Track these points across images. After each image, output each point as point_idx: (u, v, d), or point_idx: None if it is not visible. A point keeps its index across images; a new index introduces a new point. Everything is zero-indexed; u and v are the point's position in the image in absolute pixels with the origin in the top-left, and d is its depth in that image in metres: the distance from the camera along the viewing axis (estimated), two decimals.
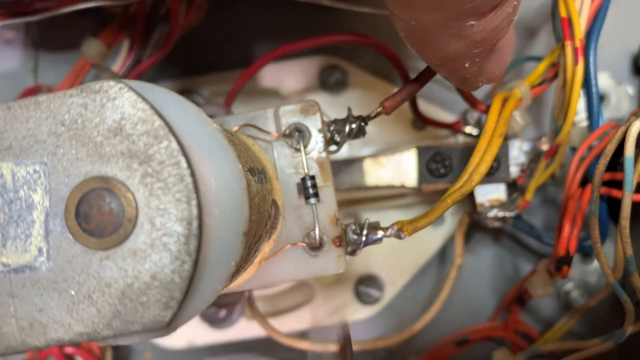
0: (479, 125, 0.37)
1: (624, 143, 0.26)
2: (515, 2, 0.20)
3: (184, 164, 0.17)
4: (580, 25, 0.30)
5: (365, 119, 0.28)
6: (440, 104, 0.40)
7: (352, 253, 0.27)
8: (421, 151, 0.35)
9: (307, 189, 0.26)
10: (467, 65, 0.22)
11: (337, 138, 0.27)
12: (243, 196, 0.18)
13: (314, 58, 0.40)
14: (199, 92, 0.41)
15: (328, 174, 0.27)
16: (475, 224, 0.40)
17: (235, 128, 0.27)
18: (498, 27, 0.20)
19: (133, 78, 0.35)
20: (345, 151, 0.40)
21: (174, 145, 0.17)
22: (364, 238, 0.26)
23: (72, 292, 0.17)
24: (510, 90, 0.31)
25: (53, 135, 0.17)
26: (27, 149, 0.18)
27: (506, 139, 0.34)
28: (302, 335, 0.41)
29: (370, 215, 0.33)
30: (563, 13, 0.30)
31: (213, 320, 0.40)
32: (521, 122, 0.32)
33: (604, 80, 0.38)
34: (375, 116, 0.27)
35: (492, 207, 0.35)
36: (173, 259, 0.16)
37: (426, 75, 0.27)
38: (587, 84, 0.31)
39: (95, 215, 0.17)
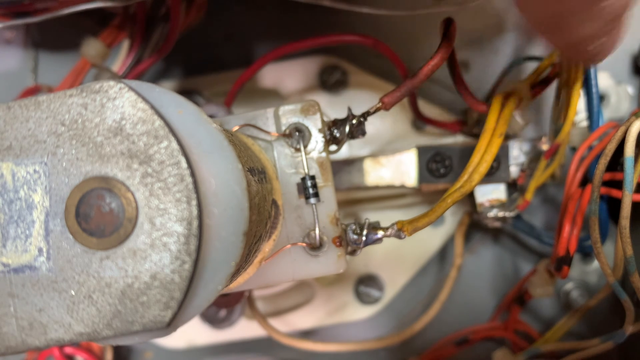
0: (479, 125, 0.37)
1: (624, 143, 0.26)
2: None
3: (184, 164, 0.17)
4: None
5: (365, 115, 0.28)
6: (440, 104, 0.40)
7: (352, 253, 0.27)
8: (421, 151, 0.35)
9: (307, 188, 0.26)
10: (591, 47, 0.22)
11: (337, 134, 0.27)
12: (243, 196, 0.18)
13: (314, 58, 0.40)
14: (199, 92, 0.41)
15: (328, 174, 0.27)
16: (475, 224, 0.40)
17: (235, 128, 0.27)
18: (627, 5, 0.20)
19: (133, 78, 0.35)
20: (345, 151, 0.40)
21: (174, 145, 0.17)
22: (364, 238, 0.26)
23: (72, 292, 0.17)
24: (510, 90, 0.31)
25: (53, 135, 0.17)
26: (27, 149, 0.18)
27: (506, 139, 0.34)
28: (302, 335, 0.41)
29: (370, 215, 0.33)
30: None
31: (213, 320, 0.40)
32: (521, 122, 0.32)
33: (604, 80, 0.38)
34: (374, 112, 0.27)
35: (492, 207, 0.35)
36: (173, 259, 0.16)
37: (425, 72, 0.27)
38: (587, 84, 0.31)
39: (95, 215, 0.17)
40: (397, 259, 0.41)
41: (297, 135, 0.27)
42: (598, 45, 0.22)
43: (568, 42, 0.22)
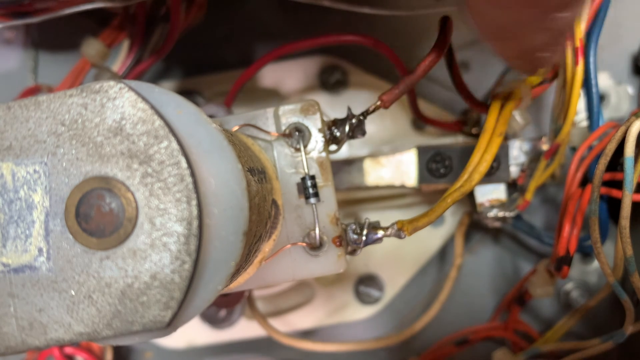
0: (479, 125, 0.37)
1: (624, 143, 0.26)
2: None
3: (184, 164, 0.17)
4: (580, 25, 0.30)
5: (364, 114, 0.28)
6: (440, 104, 0.40)
7: (352, 253, 0.27)
8: (421, 151, 0.35)
9: (307, 188, 0.26)
10: (545, 55, 0.22)
11: (337, 134, 0.27)
12: (243, 196, 0.18)
13: (314, 58, 0.40)
14: (199, 92, 0.41)
15: (328, 173, 0.27)
16: (475, 224, 0.40)
17: (235, 128, 0.27)
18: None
19: (133, 78, 0.35)
20: (345, 151, 0.40)
21: (174, 145, 0.17)
22: (364, 238, 0.26)
23: (72, 292, 0.17)
24: (510, 90, 0.31)
25: (53, 135, 0.17)
26: (27, 149, 0.18)
27: (506, 138, 0.34)
28: (302, 335, 0.41)
29: (370, 215, 0.33)
30: None
31: (213, 320, 0.40)
32: (521, 121, 0.32)
33: (604, 80, 0.38)
34: (374, 110, 0.27)
35: (492, 207, 0.35)
36: (173, 259, 0.16)
37: (422, 68, 0.27)
38: (587, 84, 0.31)
39: (95, 215, 0.17)
40: (397, 259, 0.41)
41: (297, 135, 0.27)
42: (547, 55, 0.22)
43: (519, 50, 0.22)
